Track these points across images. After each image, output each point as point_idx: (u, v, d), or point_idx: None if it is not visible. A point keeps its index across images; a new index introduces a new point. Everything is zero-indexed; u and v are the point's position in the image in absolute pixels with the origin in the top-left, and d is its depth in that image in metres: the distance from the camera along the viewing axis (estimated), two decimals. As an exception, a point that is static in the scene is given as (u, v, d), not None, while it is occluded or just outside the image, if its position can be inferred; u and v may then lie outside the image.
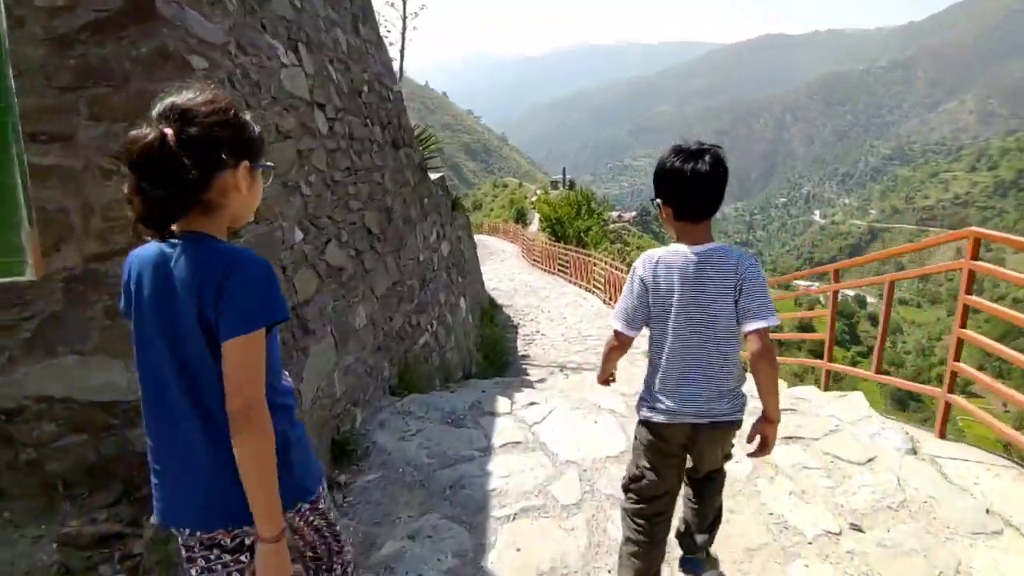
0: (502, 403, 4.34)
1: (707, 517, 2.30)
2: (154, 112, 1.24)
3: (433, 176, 8.07)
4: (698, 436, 2.00)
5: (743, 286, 1.86)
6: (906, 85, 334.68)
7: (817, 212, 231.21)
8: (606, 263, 14.56)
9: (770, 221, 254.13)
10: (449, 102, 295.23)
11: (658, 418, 1.98)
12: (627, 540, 2.15)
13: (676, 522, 2.33)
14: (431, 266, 6.43)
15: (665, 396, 1.96)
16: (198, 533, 1.39)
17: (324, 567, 1.70)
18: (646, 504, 2.10)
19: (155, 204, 1.23)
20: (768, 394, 1.94)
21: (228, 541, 1.42)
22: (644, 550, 2.10)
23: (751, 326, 1.86)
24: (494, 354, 8.92)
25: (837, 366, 5.45)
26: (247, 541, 1.43)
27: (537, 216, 30.20)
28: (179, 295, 1.25)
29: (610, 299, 13.76)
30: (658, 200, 2.01)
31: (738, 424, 2.03)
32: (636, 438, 2.14)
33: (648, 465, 2.07)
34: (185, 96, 1.26)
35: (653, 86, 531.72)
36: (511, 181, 74.88)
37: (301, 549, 1.67)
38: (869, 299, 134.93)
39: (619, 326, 2.00)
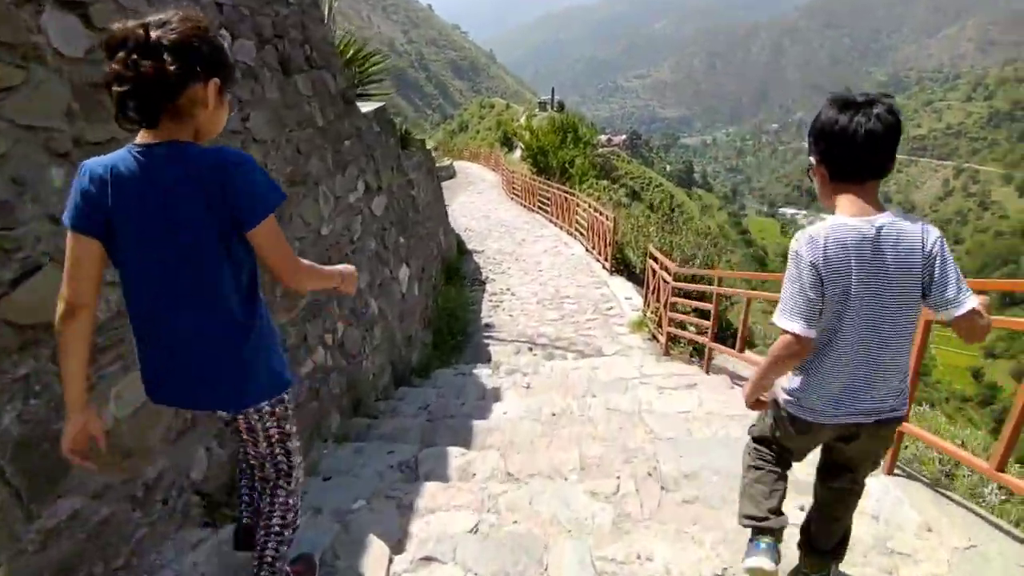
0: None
1: (836, 534, 1.98)
2: (130, 23, 1.31)
3: (366, 108, 6.29)
4: (861, 433, 1.76)
5: (935, 265, 1.58)
6: (907, 7, 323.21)
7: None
8: (588, 206, 12.87)
9: (761, 147, 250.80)
10: (434, 15, 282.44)
11: (821, 420, 1.74)
12: (750, 468, 1.98)
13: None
14: (347, 236, 4.81)
15: (833, 397, 1.70)
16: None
17: (269, 488, 1.78)
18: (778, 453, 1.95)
19: (123, 103, 1.32)
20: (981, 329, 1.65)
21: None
22: (772, 476, 1.92)
23: (959, 311, 1.58)
24: (449, 331, 7.42)
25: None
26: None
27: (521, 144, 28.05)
28: (183, 192, 1.39)
29: (593, 247, 12.19)
30: (812, 159, 1.75)
31: (902, 420, 1.82)
32: (776, 422, 1.88)
33: (789, 448, 1.92)
34: (164, 14, 1.36)
35: (652, 2, 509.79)
36: (498, 102, 71.48)
37: (251, 461, 1.84)
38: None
39: (799, 328, 1.60)
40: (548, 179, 21.44)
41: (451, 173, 31.53)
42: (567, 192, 15.77)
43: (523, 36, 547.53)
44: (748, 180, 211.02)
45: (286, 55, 4.31)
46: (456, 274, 10.64)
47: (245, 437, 1.73)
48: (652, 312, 7.68)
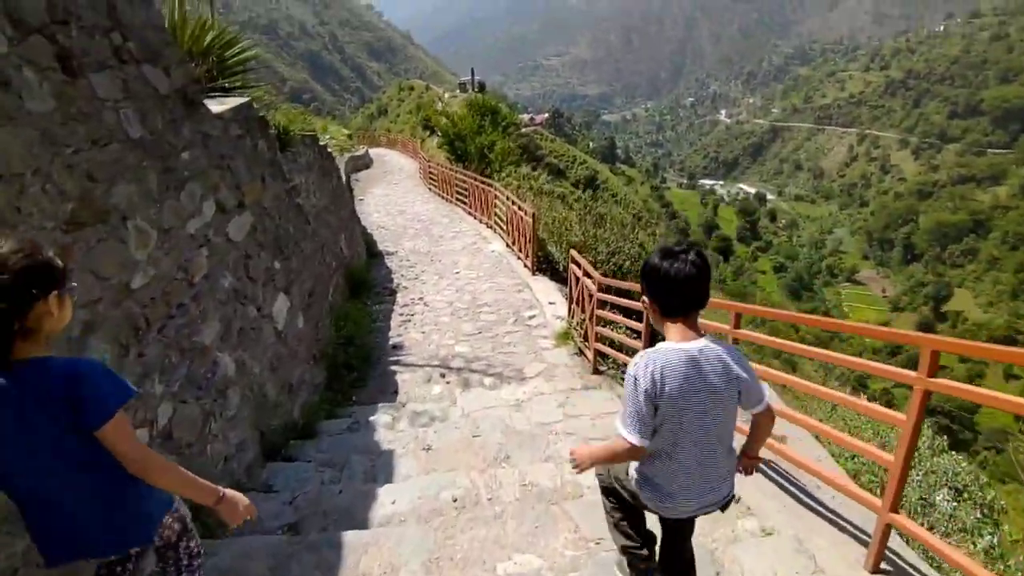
0: None
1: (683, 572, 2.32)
2: None
3: (220, 108, 5.18)
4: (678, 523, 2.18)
5: (742, 385, 1.93)
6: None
7: (723, 111, 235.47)
8: (507, 198, 11.96)
9: (679, 121, 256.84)
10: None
11: (673, 514, 2.07)
12: (611, 511, 2.34)
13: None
14: (183, 279, 3.71)
15: (679, 495, 2.01)
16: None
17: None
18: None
19: None
20: (760, 443, 2.18)
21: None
22: (632, 514, 2.31)
23: (758, 408, 2.02)
24: (347, 362, 6.39)
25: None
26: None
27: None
28: (32, 412, 1.56)
29: (513, 243, 11.32)
30: (644, 298, 2.06)
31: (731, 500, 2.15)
32: (619, 482, 2.24)
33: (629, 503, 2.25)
34: None
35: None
36: (418, 83, 69.29)
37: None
38: (769, 196, 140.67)
39: (635, 440, 1.90)
40: (467, 166, 20.40)
41: (367, 162, 29.99)
42: (485, 183, 14.80)
43: (439, 16, 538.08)
44: (669, 154, 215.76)
45: (71, 48, 3.15)
46: (363, 285, 9.54)
47: None
48: (578, 323, 6.89)
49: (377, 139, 42.56)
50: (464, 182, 16.54)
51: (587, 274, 6.53)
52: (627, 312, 5.79)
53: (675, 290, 1.89)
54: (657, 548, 2.36)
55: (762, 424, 2.09)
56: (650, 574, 2.27)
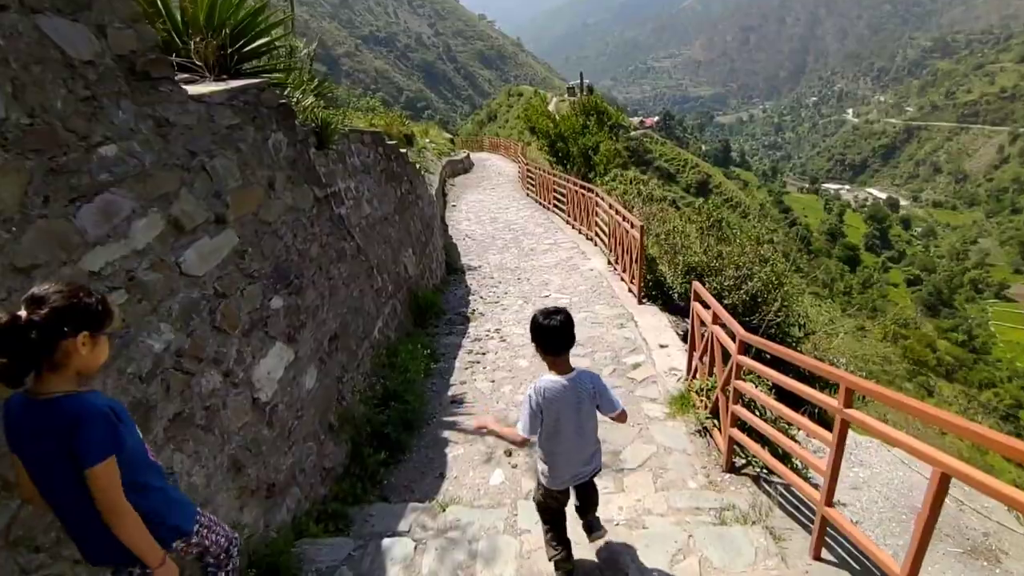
0: None
1: (593, 503, 3.32)
2: (23, 298, 1.72)
3: (205, 89, 3.73)
4: (580, 485, 3.12)
5: (599, 396, 2.91)
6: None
7: (850, 111, 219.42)
8: (610, 206, 9.99)
9: (800, 122, 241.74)
10: (460, 6, 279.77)
11: (560, 486, 3.03)
12: (544, 526, 3.26)
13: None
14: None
15: (562, 473, 3.00)
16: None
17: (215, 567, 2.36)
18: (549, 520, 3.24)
19: (6, 366, 1.67)
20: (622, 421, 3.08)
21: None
22: (556, 528, 3.21)
23: (612, 413, 2.96)
24: (384, 425, 4.74)
25: None
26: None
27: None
28: (45, 443, 1.76)
29: (616, 260, 9.37)
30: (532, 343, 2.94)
31: (598, 471, 3.17)
32: (539, 494, 3.16)
33: (549, 504, 3.13)
34: (44, 287, 1.74)
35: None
36: (526, 89, 68.49)
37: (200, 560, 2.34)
38: (902, 201, 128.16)
39: (526, 434, 2.85)
40: (569, 169, 18.55)
41: (466, 166, 28.96)
42: (585, 187, 12.87)
43: (551, 23, 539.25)
44: (788, 157, 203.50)
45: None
46: (431, 310, 7.94)
47: None
48: (702, 387, 4.86)
49: (481, 143, 41.88)
50: (563, 187, 14.71)
51: (719, 320, 4.51)
52: (790, 398, 3.72)
53: (549, 337, 2.82)
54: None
55: (618, 420, 3.00)
56: (570, 574, 3.19)
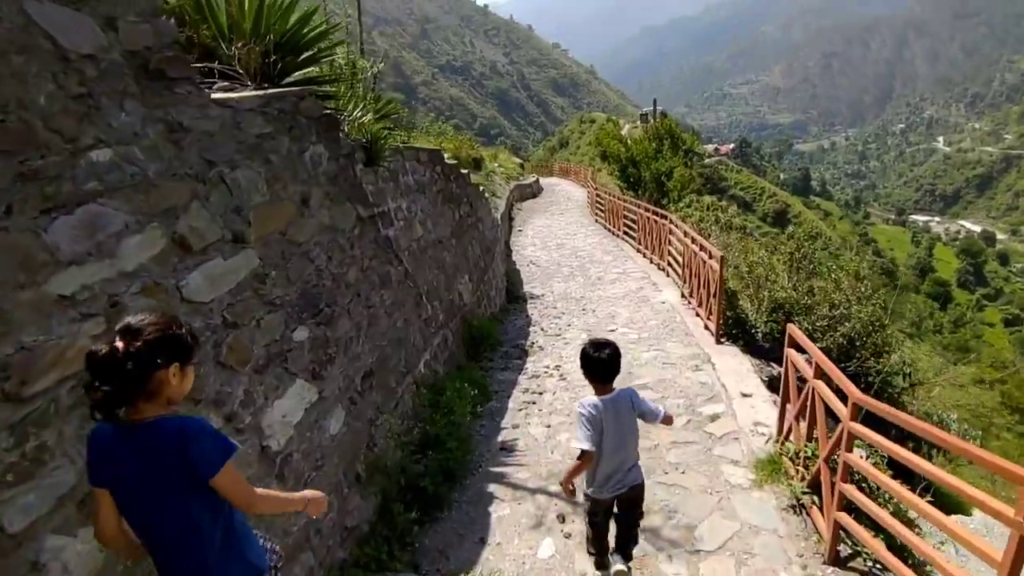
0: None
1: (632, 538, 3.49)
2: (117, 327, 1.75)
3: (235, 94, 3.35)
4: (624, 496, 3.29)
5: (635, 405, 3.16)
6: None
7: (941, 139, 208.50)
8: (685, 234, 9.22)
9: (886, 150, 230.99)
10: (535, 35, 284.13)
11: (604, 495, 3.24)
12: (587, 534, 3.49)
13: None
14: (14, 390, 1.64)
15: (606, 482, 3.20)
16: None
17: None
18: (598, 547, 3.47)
19: (104, 396, 1.69)
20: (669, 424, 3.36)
21: None
22: (599, 537, 3.44)
23: (657, 419, 3.23)
24: (420, 477, 4.18)
25: None
26: None
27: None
28: (152, 468, 1.75)
29: (691, 293, 8.58)
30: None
31: (643, 485, 3.38)
32: (587, 505, 3.36)
33: (593, 520, 3.37)
34: (138, 318, 1.76)
35: (758, 6, 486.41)
36: (599, 116, 68.11)
37: None
38: (999, 235, 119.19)
39: (587, 446, 3.06)
40: (639, 196, 17.79)
41: (535, 191, 28.65)
42: (657, 214, 12.11)
43: (625, 50, 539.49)
44: (873, 186, 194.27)
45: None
46: (486, 342, 7.37)
47: None
48: (798, 452, 4.05)
49: (551, 168, 41.78)
50: (633, 212, 13.98)
51: (823, 375, 3.71)
52: (908, 475, 2.91)
53: (597, 367, 3.12)
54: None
55: (666, 423, 3.29)
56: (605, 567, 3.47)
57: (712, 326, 7.33)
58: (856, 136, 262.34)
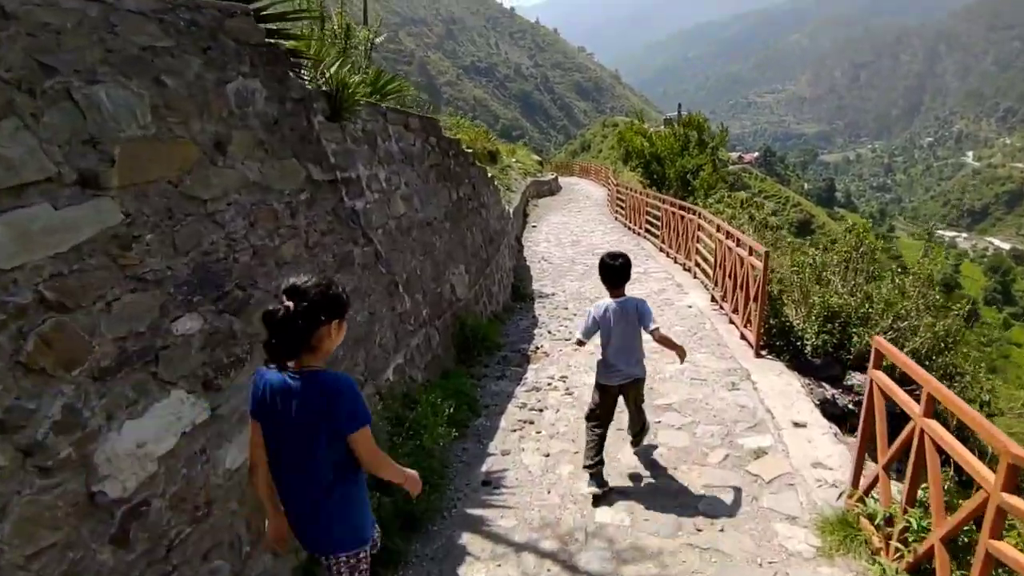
0: None
1: (642, 421, 4.22)
2: (282, 287, 1.95)
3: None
4: (628, 384, 3.91)
5: (640, 312, 3.79)
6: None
7: (970, 153, 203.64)
8: (718, 229, 8.06)
9: (912, 163, 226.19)
10: (560, 39, 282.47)
11: (613, 381, 3.87)
12: (586, 433, 3.97)
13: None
14: None
15: (614, 369, 3.83)
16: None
17: None
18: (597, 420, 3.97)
19: (278, 348, 1.91)
20: (672, 346, 3.88)
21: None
22: (595, 438, 3.89)
23: (651, 327, 3.75)
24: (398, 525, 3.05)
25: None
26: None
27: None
28: (307, 412, 1.94)
29: (724, 297, 7.44)
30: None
31: (644, 378, 4.04)
32: (593, 401, 3.98)
33: (598, 401, 3.94)
34: (302, 279, 1.95)
35: (786, 15, 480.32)
36: (621, 120, 66.94)
37: None
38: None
39: (579, 336, 3.94)
40: (663, 194, 16.62)
41: (552, 189, 27.69)
42: (684, 208, 10.94)
43: (650, 55, 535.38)
44: (899, 200, 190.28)
45: None
46: (481, 344, 6.28)
47: None
48: (890, 515, 2.91)
49: (571, 168, 41.04)
50: (656, 208, 12.81)
51: (932, 412, 2.58)
52: None
53: (611, 274, 3.83)
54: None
55: (661, 338, 3.82)
56: (598, 476, 3.82)
57: (751, 336, 6.17)
58: (883, 148, 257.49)
